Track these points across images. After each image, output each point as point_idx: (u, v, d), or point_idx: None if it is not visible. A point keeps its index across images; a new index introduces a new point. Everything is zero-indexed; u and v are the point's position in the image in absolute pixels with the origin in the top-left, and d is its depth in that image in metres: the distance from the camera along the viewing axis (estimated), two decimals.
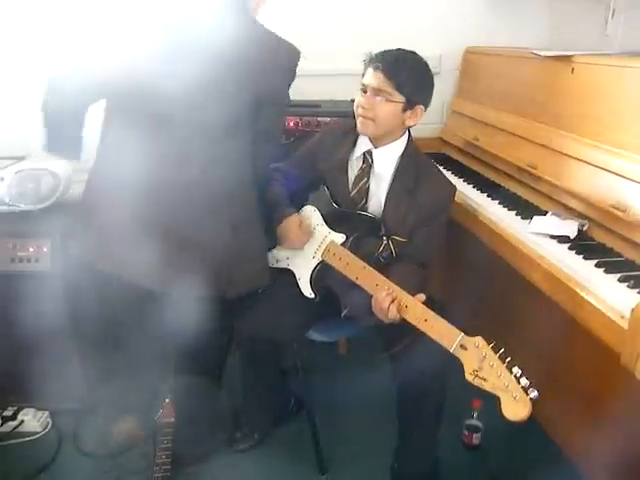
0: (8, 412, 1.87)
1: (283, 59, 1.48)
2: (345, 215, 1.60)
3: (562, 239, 1.47)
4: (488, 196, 1.84)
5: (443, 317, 1.30)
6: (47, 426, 1.89)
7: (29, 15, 2.08)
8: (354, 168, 1.63)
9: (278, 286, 1.59)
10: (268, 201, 1.62)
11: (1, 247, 1.74)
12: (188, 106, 1.39)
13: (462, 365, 1.22)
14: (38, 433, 1.86)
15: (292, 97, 1.61)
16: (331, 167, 1.65)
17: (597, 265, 1.34)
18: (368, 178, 1.59)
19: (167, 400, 1.74)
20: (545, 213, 1.63)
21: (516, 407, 1.13)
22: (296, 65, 1.48)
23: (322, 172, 1.66)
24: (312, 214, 1.66)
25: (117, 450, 1.77)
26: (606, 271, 1.31)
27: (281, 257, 1.66)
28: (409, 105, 1.51)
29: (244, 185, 1.52)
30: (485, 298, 2.13)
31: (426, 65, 1.53)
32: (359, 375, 1.97)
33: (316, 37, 2.24)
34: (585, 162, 1.54)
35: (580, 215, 1.54)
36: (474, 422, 1.82)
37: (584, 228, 1.51)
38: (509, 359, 1.17)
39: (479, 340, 1.22)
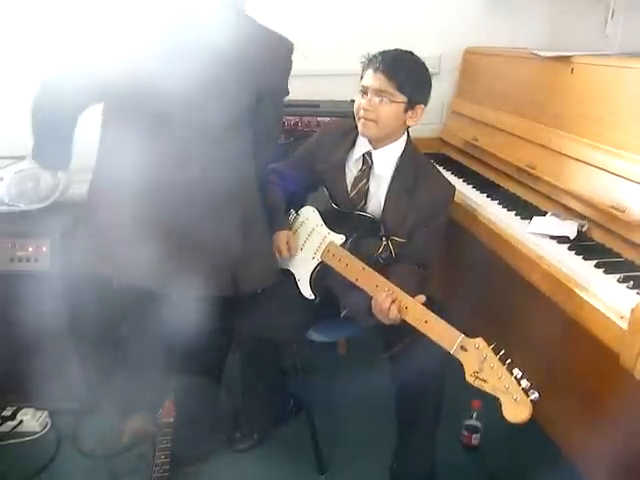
0: (7, 412, 1.86)
1: (281, 54, 1.49)
2: (344, 216, 1.60)
3: (562, 239, 1.47)
4: (487, 196, 1.84)
5: (443, 318, 1.29)
6: (46, 426, 1.89)
7: (29, 15, 2.08)
8: (352, 169, 1.63)
9: (278, 286, 1.59)
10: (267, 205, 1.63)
11: (0, 247, 1.74)
12: (188, 106, 1.39)
13: (462, 366, 1.22)
14: (37, 433, 1.86)
15: (292, 97, 1.61)
16: (329, 167, 1.64)
17: (597, 265, 1.34)
18: (368, 180, 1.59)
19: (169, 399, 1.74)
20: (544, 213, 1.63)
21: (517, 409, 1.13)
22: (292, 55, 1.50)
23: (320, 173, 1.66)
24: (311, 214, 1.66)
25: (128, 446, 1.78)
26: (605, 271, 1.31)
27: (281, 258, 1.66)
28: (410, 105, 1.51)
29: (245, 184, 1.52)
30: (484, 298, 2.14)
31: (424, 64, 1.54)
32: (358, 375, 1.97)
33: (316, 37, 2.25)
34: (585, 162, 1.54)
35: (580, 215, 1.54)
36: (473, 422, 1.82)
37: (584, 228, 1.51)
38: (509, 361, 1.17)
39: (479, 341, 1.22)
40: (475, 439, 1.83)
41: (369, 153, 1.58)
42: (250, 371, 1.80)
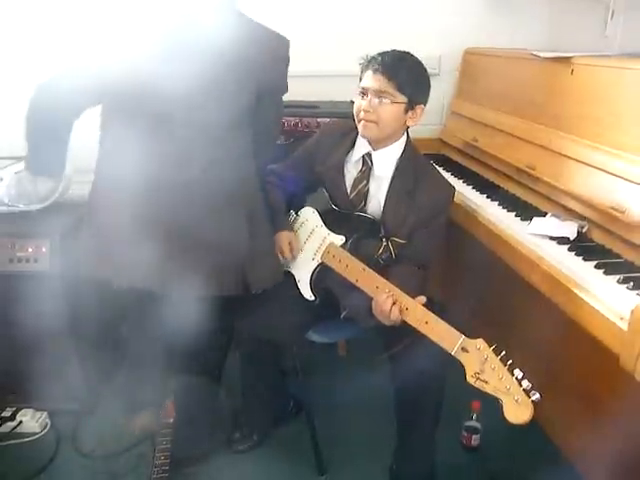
0: (7, 413, 1.86)
1: (280, 53, 1.50)
2: (344, 217, 1.60)
3: (561, 240, 1.47)
4: (487, 197, 1.84)
5: (443, 319, 1.29)
6: (46, 427, 1.89)
7: (29, 15, 2.08)
8: (352, 170, 1.62)
9: (278, 287, 1.59)
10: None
11: (0, 247, 1.74)
12: (188, 106, 1.39)
13: (463, 367, 1.22)
14: (37, 434, 1.86)
15: (291, 98, 1.61)
16: (328, 169, 1.64)
17: (596, 266, 1.34)
18: (368, 181, 1.59)
19: (169, 400, 1.74)
20: (544, 214, 1.63)
21: (518, 410, 1.13)
22: (289, 52, 1.51)
23: (320, 174, 1.66)
24: (311, 215, 1.66)
25: (128, 446, 1.79)
26: (605, 272, 1.31)
27: (283, 259, 1.66)
28: (410, 105, 1.51)
29: (246, 184, 1.52)
30: (484, 299, 2.14)
31: (422, 64, 1.54)
32: (358, 376, 1.97)
33: (315, 38, 2.25)
34: (584, 163, 1.54)
35: (579, 216, 1.54)
36: (473, 423, 1.82)
37: (583, 229, 1.51)
38: (510, 362, 1.17)
39: (480, 342, 1.22)
40: (475, 440, 1.83)
41: (369, 154, 1.58)
42: (250, 371, 1.80)
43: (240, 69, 1.42)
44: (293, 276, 1.63)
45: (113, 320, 2.09)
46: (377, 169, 1.58)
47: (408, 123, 1.55)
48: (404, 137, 1.59)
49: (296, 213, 1.71)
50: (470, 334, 1.25)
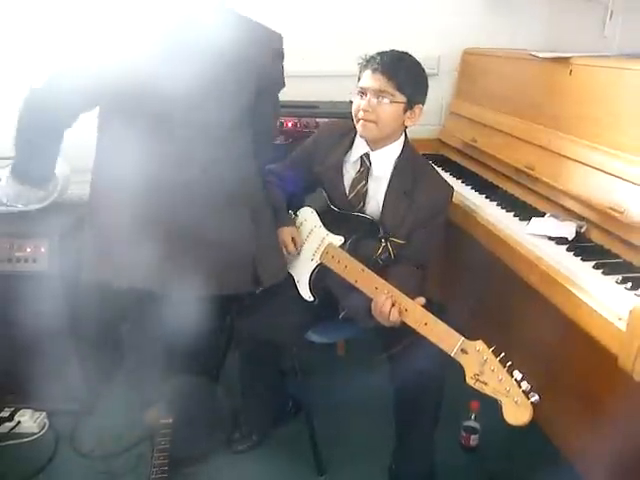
0: (5, 413, 1.86)
1: (278, 50, 1.51)
2: (343, 217, 1.60)
3: (560, 240, 1.47)
4: (486, 197, 1.84)
5: (443, 320, 1.29)
6: (44, 427, 1.89)
7: (27, 15, 2.08)
8: (350, 170, 1.62)
9: (277, 288, 1.58)
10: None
11: None
12: (188, 106, 1.39)
13: (463, 368, 1.22)
14: (35, 434, 1.86)
15: (290, 98, 1.61)
16: (327, 169, 1.64)
17: (595, 267, 1.34)
18: (366, 181, 1.59)
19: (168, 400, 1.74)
20: (543, 214, 1.63)
21: (517, 411, 1.13)
22: (283, 46, 1.51)
23: (318, 174, 1.66)
24: (310, 216, 1.66)
25: (127, 446, 1.79)
26: (604, 273, 1.31)
27: (287, 254, 1.65)
28: (409, 105, 1.51)
29: (247, 184, 1.52)
30: (483, 299, 2.14)
31: (420, 64, 1.54)
32: (357, 376, 1.97)
33: (315, 38, 2.25)
34: (583, 163, 1.54)
35: (578, 216, 1.54)
36: (472, 424, 1.82)
37: (582, 229, 1.51)
38: (510, 363, 1.17)
39: (480, 344, 1.22)
40: (474, 440, 1.83)
41: (367, 155, 1.58)
42: (249, 371, 1.80)
43: (240, 69, 1.42)
44: (292, 277, 1.63)
45: (113, 320, 2.09)
46: (375, 169, 1.58)
47: (407, 123, 1.55)
48: (402, 137, 1.59)
49: (295, 213, 1.71)
50: (469, 334, 1.25)
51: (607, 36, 2.01)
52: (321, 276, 1.58)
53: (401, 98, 1.50)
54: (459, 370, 1.23)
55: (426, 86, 1.55)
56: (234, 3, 1.48)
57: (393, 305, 1.36)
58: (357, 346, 2.23)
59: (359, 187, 1.59)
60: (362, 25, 2.29)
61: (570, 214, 1.57)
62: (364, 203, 1.60)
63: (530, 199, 1.76)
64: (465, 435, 1.84)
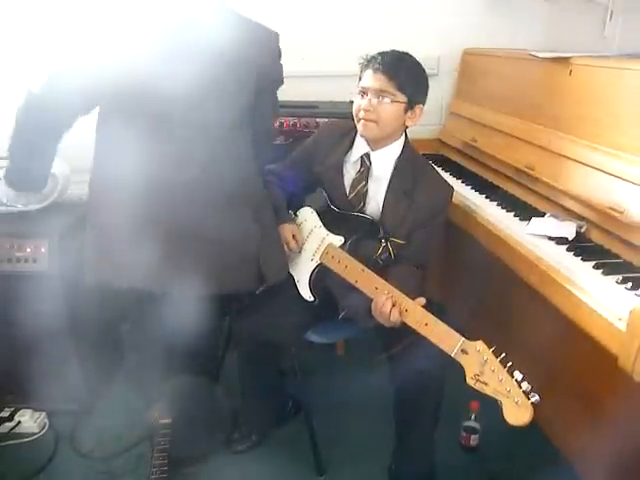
0: (5, 413, 1.86)
1: (276, 49, 1.51)
2: (343, 217, 1.60)
3: (560, 240, 1.47)
4: (486, 197, 1.84)
5: (443, 320, 1.29)
6: (44, 427, 1.89)
7: (29, 15, 2.08)
8: (350, 170, 1.62)
9: (277, 288, 1.58)
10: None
11: None
12: (188, 106, 1.39)
13: (463, 369, 1.22)
14: (35, 434, 1.86)
15: (290, 98, 1.61)
16: (327, 169, 1.64)
17: (595, 267, 1.34)
18: (366, 181, 1.59)
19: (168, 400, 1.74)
20: (543, 214, 1.63)
21: (518, 412, 1.13)
22: (279, 44, 1.51)
23: (318, 174, 1.66)
24: (310, 216, 1.66)
25: (127, 446, 1.79)
26: (604, 273, 1.31)
27: (289, 250, 1.65)
28: (410, 105, 1.51)
29: (247, 184, 1.52)
30: (483, 299, 2.14)
31: (421, 65, 1.54)
32: (357, 376, 1.97)
33: (315, 38, 2.25)
34: (583, 164, 1.54)
35: (578, 216, 1.54)
36: (472, 424, 1.82)
37: (582, 229, 1.51)
38: (510, 364, 1.17)
39: (480, 344, 1.22)
40: (474, 440, 1.83)
41: (367, 155, 1.58)
42: (249, 372, 1.80)
43: (240, 69, 1.42)
44: (292, 277, 1.63)
45: (113, 320, 2.09)
46: (376, 169, 1.58)
47: (407, 123, 1.56)
48: (402, 137, 1.59)
49: (295, 213, 1.71)
50: (469, 334, 1.25)
51: (607, 36, 2.01)
52: (321, 276, 1.58)
53: (402, 98, 1.50)
54: (459, 370, 1.23)
55: (427, 86, 1.56)
56: (234, 3, 1.48)
57: (393, 305, 1.36)
58: (357, 346, 2.23)
59: (359, 187, 1.59)
60: (362, 25, 2.29)
61: (570, 214, 1.57)
62: (364, 203, 1.60)
63: (530, 199, 1.76)
64: (465, 435, 1.84)
